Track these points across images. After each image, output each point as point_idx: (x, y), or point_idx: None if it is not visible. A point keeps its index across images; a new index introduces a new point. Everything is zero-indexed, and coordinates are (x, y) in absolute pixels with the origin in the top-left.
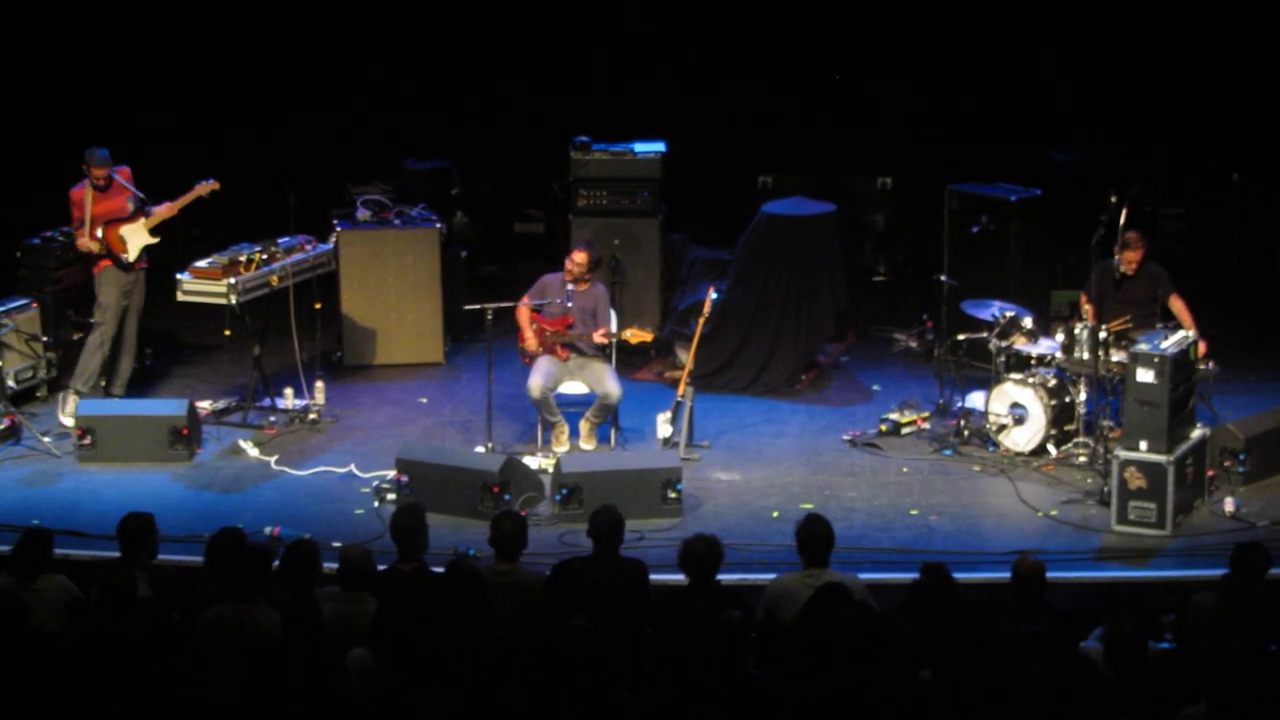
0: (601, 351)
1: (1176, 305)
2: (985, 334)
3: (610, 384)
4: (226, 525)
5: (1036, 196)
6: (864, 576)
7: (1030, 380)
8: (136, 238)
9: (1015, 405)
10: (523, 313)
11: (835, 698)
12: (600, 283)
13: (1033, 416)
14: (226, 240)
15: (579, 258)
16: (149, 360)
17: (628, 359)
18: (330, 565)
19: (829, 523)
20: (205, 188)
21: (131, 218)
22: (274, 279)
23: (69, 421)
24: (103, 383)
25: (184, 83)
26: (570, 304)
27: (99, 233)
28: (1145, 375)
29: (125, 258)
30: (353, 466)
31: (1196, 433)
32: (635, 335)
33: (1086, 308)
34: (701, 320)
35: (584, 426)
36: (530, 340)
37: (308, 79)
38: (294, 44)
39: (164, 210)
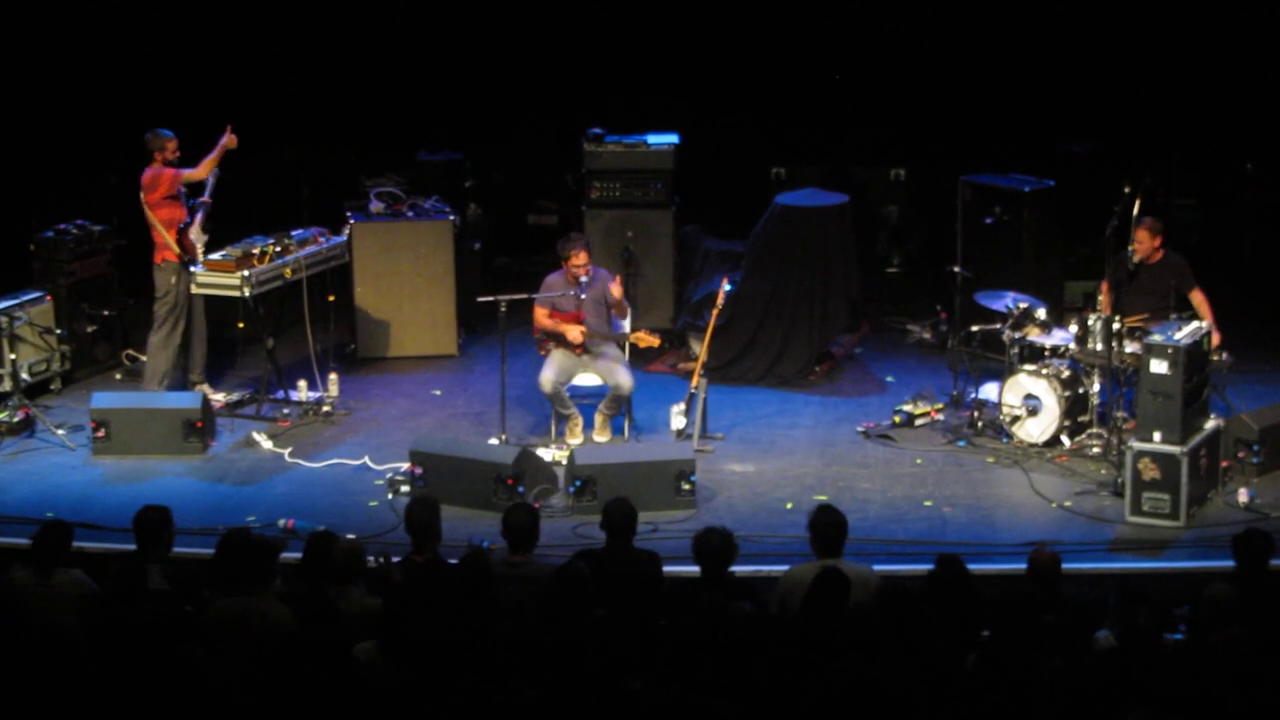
0: (615, 343)
1: (1197, 299)
2: (999, 325)
3: (621, 375)
4: (238, 521)
5: (1050, 187)
6: (878, 568)
7: (1044, 371)
8: (200, 236)
9: (1029, 396)
10: (545, 321)
11: (853, 688)
12: (600, 268)
13: (1046, 408)
14: (240, 233)
15: (582, 258)
16: None
17: (641, 351)
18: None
19: (841, 513)
20: (230, 140)
21: (190, 222)
22: (287, 271)
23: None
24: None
25: (197, 76)
26: (584, 295)
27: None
28: (1159, 366)
29: (199, 260)
30: (366, 459)
31: (1210, 424)
32: (643, 340)
33: (1102, 297)
34: (715, 312)
35: (598, 418)
36: (574, 335)
37: (321, 71)
38: (307, 36)
39: (200, 172)
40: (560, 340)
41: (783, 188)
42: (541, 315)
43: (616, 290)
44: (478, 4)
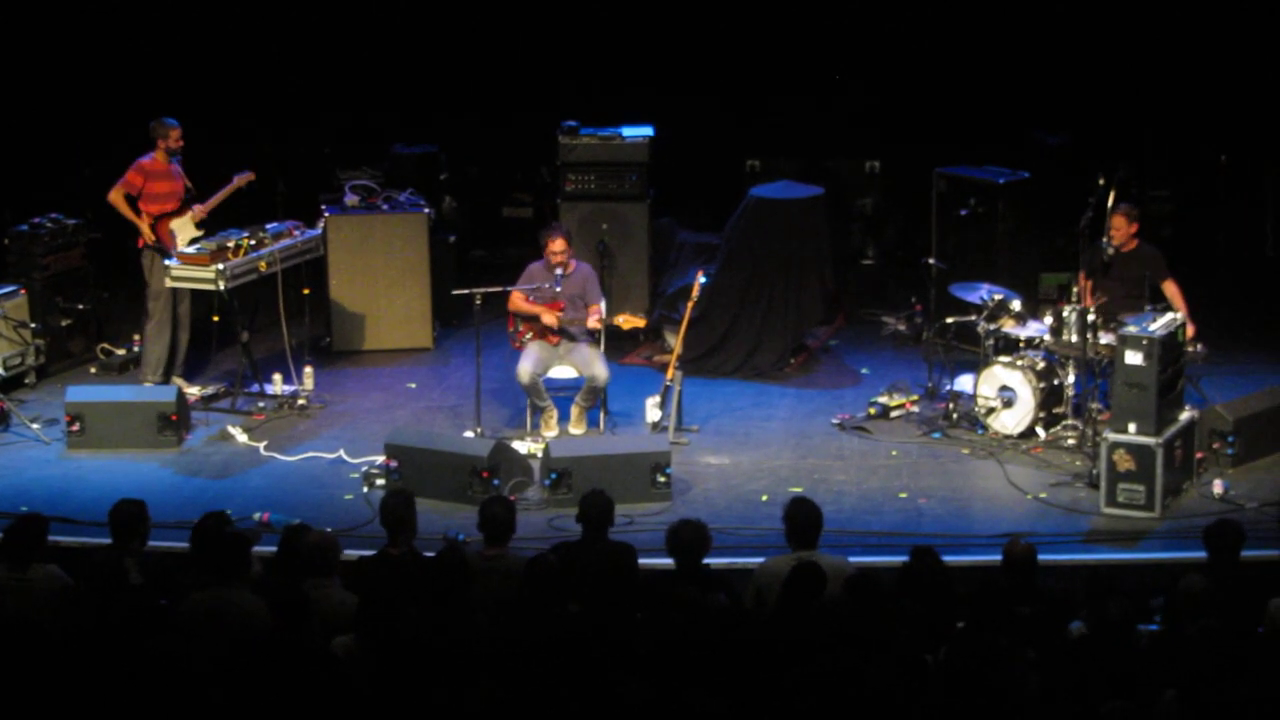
0: (591, 335)
1: (1170, 290)
2: (974, 317)
3: (598, 366)
4: (214, 510)
5: (1024, 179)
6: (853, 559)
7: (1019, 363)
8: (185, 231)
9: (1004, 388)
10: (520, 303)
11: (828, 681)
12: (584, 263)
13: (1021, 399)
14: (215, 226)
15: (558, 245)
16: (138, 346)
17: (617, 343)
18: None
19: (816, 505)
20: (242, 180)
21: (180, 212)
22: (262, 265)
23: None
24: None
25: (171, 70)
26: (559, 289)
27: (150, 222)
28: (1134, 358)
29: (174, 251)
30: (341, 452)
31: (1185, 415)
32: (628, 321)
33: (1076, 288)
34: (690, 304)
35: (574, 410)
36: (550, 318)
37: (295, 64)
38: (281, 30)
39: (201, 209)
40: (535, 325)
41: (757, 180)
42: (518, 298)
43: (594, 323)
44: None
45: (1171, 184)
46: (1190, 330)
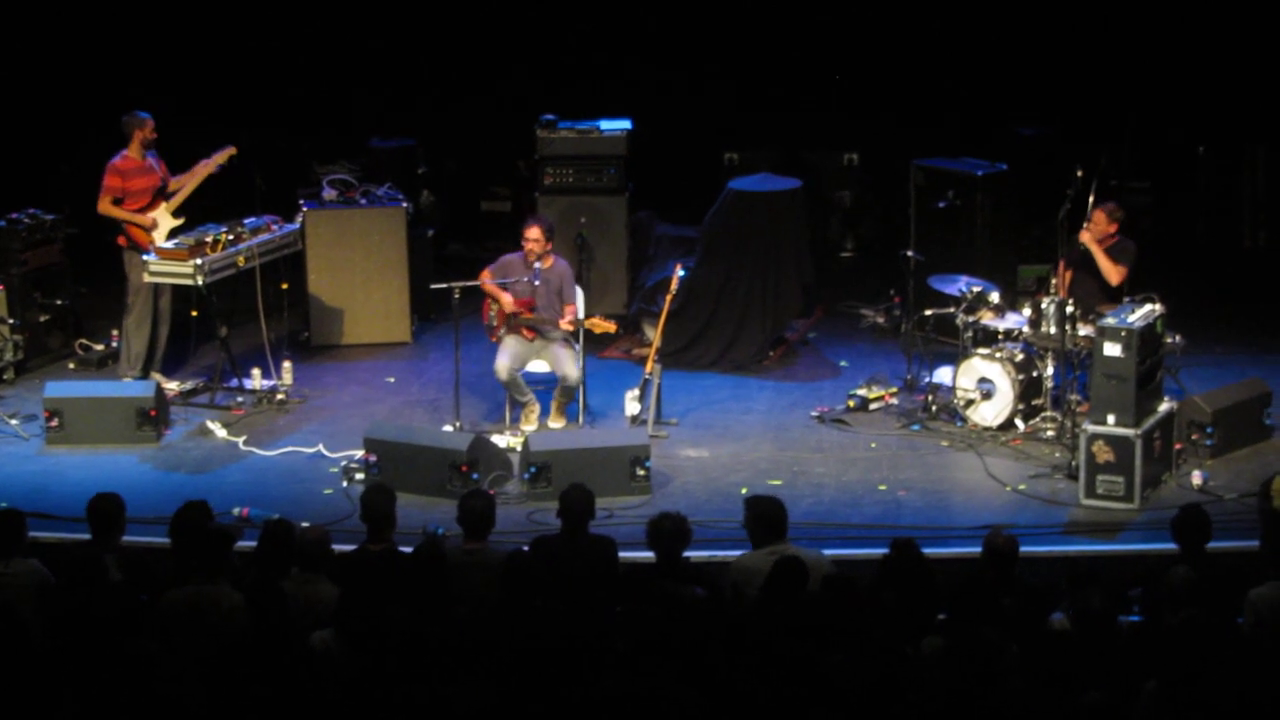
0: (566, 333)
1: (1114, 272)
2: (952, 309)
3: (569, 367)
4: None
5: (1002, 171)
6: (832, 552)
7: (998, 355)
8: (163, 222)
9: (983, 380)
10: (487, 282)
11: (806, 676)
12: (562, 259)
13: (1000, 391)
14: (193, 221)
15: (533, 233)
16: (117, 341)
17: (595, 337)
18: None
19: (774, 498)
20: (222, 155)
21: (153, 204)
22: (240, 259)
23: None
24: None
25: (148, 65)
26: (538, 282)
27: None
28: (1112, 349)
29: (150, 248)
30: (321, 447)
31: (1164, 406)
32: (598, 326)
33: (1055, 280)
34: (669, 297)
35: (553, 405)
36: (506, 301)
37: (273, 58)
38: (258, 23)
39: (176, 198)
40: (507, 320)
41: (736, 173)
42: (485, 276)
43: (566, 325)
44: None
45: (1150, 175)
46: (1085, 235)
